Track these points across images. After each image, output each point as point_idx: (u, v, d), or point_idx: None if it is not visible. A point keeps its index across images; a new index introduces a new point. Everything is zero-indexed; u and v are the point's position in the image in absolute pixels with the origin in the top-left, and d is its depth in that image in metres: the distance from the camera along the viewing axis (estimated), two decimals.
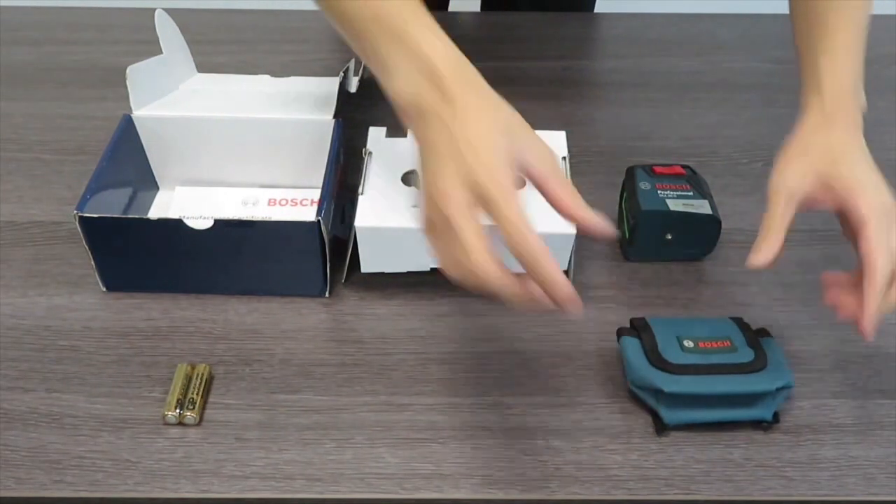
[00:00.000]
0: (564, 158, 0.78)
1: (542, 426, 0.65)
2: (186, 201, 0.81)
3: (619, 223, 0.80)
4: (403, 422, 0.65)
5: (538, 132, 0.80)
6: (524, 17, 1.11)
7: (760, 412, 0.64)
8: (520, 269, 0.52)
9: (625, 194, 0.79)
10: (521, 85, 1.00)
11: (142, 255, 0.71)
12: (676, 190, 0.76)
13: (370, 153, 0.77)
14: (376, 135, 0.80)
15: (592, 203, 0.83)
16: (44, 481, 0.61)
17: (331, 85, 0.82)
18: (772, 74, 1.03)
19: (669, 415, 0.64)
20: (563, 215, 0.55)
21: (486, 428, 0.65)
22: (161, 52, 0.80)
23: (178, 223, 0.68)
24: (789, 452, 0.64)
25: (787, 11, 1.14)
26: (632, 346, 0.66)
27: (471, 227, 0.51)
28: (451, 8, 1.22)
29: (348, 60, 0.86)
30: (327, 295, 0.74)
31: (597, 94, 0.99)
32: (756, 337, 0.66)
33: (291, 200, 0.81)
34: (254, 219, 0.69)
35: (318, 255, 0.71)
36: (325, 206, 0.70)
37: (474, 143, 0.52)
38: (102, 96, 0.96)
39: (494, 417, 0.66)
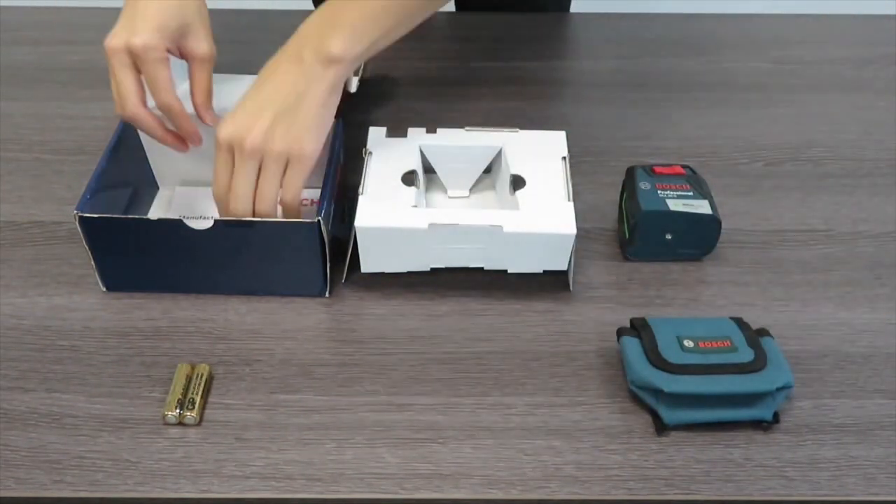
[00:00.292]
0: (564, 158, 0.78)
1: (542, 426, 0.65)
2: (186, 201, 0.81)
3: (620, 223, 0.80)
4: (403, 422, 0.65)
5: (538, 132, 0.80)
6: (524, 18, 1.11)
7: (760, 412, 0.64)
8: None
9: (625, 194, 0.79)
10: (520, 85, 1.00)
11: (142, 255, 0.71)
12: (676, 190, 0.77)
13: (370, 153, 0.77)
14: (376, 135, 0.80)
15: (592, 203, 0.84)
16: (44, 481, 0.61)
17: None
18: (772, 74, 1.03)
19: (669, 415, 0.64)
20: (193, 105, 0.75)
21: (486, 428, 0.65)
22: None
23: (178, 223, 0.68)
24: (789, 452, 0.64)
25: (786, 11, 1.14)
26: (632, 346, 0.66)
27: (126, 77, 0.72)
28: None
29: None
30: (327, 295, 0.74)
31: (597, 94, 0.99)
32: (756, 337, 0.66)
33: None
34: (254, 219, 0.69)
35: (318, 255, 0.71)
36: (325, 206, 0.70)
37: (142, 12, 0.71)
38: (102, 96, 0.96)
39: (494, 417, 0.66)
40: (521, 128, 0.81)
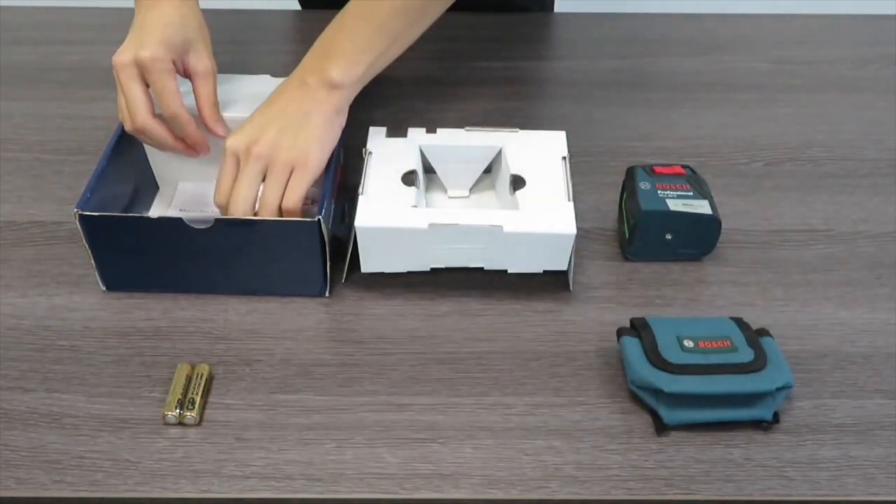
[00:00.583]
0: (564, 158, 0.78)
1: (542, 426, 0.65)
2: (188, 197, 0.81)
3: (619, 223, 0.80)
4: (403, 422, 0.65)
5: (538, 132, 0.80)
6: (524, 18, 1.11)
7: (760, 412, 0.64)
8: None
9: (625, 194, 0.79)
10: (520, 85, 1.00)
11: (142, 254, 0.71)
12: (676, 190, 0.77)
13: (370, 153, 0.77)
14: (376, 135, 0.80)
15: (593, 203, 0.84)
16: (44, 481, 0.61)
17: None
18: (772, 74, 1.03)
19: (669, 415, 0.64)
20: (202, 119, 0.77)
21: (486, 428, 0.65)
22: None
23: (179, 223, 0.68)
24: (789, 452, 0.64)
25: (786, 11, 1.14)
26: (632, 346, 0.66)
27: (135, 89, 0.74)
28: None
29: None
30: (327, 295, 0.74)
31: (597, 94, 0.99)
32: (756, 337, 0.66)
33: None
34: (254, 218, 0.69)
35: (318, 255, 0.71)
36: (325, 206, 0.70)
37: (148, 30, 0.74)
38: (102, 96, 0.96)
39: (494, 417, 0.66)
40: (521, 128, 0.81)
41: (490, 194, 0.82)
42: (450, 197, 0.82)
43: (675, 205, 0.75)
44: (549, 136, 0.80)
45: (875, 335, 0.72)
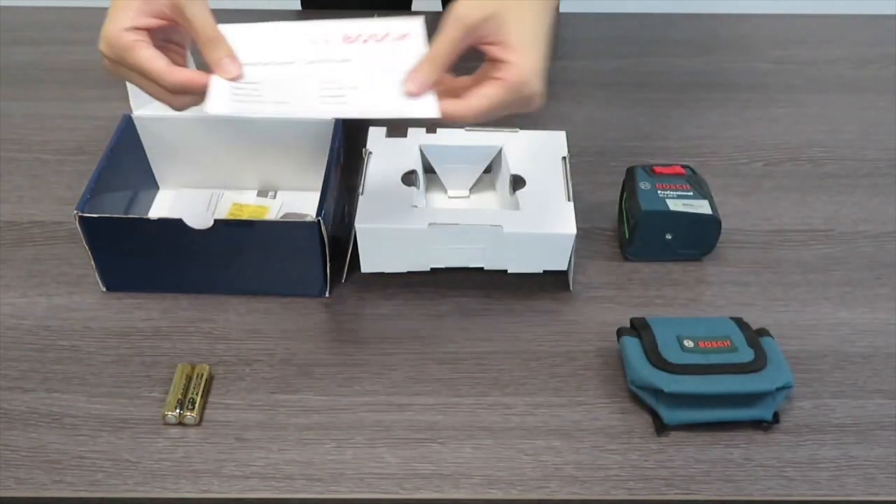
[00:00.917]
0: (564, 158, 0.78)
1: (542, 426, 0.65)
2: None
3: (619, 223, 0.80)
4: (403, 422, 0.65)
5: (538, 132, 0.80)
6: None
7: (760, 412, 0.64)
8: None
9: (625, 194, 0.79)
10: None
11: (142, 255, 0.71)
12: (676, 190, 0.76)
13: (370, 153, 0.77)
14: (376, 135, 0.80)
15: (593, 203, 0.84)
16: (44, 481, 0.61)
17: None
18: (772, 74, 1.03)
19: (669, 415, 0.64)
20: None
21: (486, 428, 0.65)
22: None
23: (178, 223, 0.68)
24: (789, 452, 0.64)
25: (786, 11, 1.14)
26: (632, 346, 0.66)
27: (133, 76, 0.60)
28: (415, 7, 1.21)
29: None
30: (327, 295, 0.74)
31: (597, 94, 0.99)
32: (756, 337, 0.66)
33: (372, 37, 0.64)
34: (254, 219, 0.69)
35: (318, 255, 0.71)
36: (325, 206, 0.70)
37: (112, 10, 0.60)
38: (102, 96, 0.96)
39: (494, 417, 0.66)
40: (521, 128, 0.81)
41: (490, 194, 0.82)
42: (450, 197, 0.82)
43: (675, 205, 0.75)
44: (549, 136, 0.80)
45: (875, 335, 0.72)
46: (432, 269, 0.74)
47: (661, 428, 0.64)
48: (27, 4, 1.12)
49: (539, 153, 0.78)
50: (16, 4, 1.11)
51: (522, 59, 0.58)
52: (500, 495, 0.61)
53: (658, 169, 0.79)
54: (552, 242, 0.71)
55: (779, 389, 0.63)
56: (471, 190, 0.83)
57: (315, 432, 0.64)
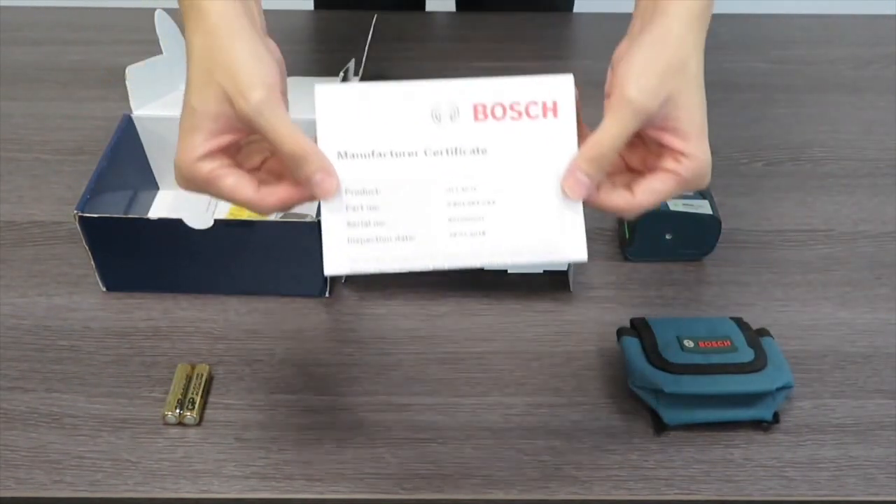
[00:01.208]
0: None
1: (542, 426, 0.65)
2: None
3: (619, 223, 0.80)
4: (403, 422, 0.65)
5: None
6: (524, 18, 1.11)
7: (760, 412, 0.64)
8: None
9: None
10: None
11: (142, 255, 0.71)
12: None
13: None
14: None
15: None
16: (44, 481, 0.61)
17: None
18: (772, 74, 1.03)
19: (669, 415, 0.64)
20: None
21: (486, 428, 0.65)
22: (161, 52, 0.80)
23: (178, 224, 0.68)
24: (789, 452, 0.64)
25: (786, 11, 1.14)
26: (632, 346, 0.66)
27: (221, 192, 0.52)
28: (428, 8, 1.22)
29: (348, 60, 0.86)
30: (327, 295, 0.74)
31: (598, 95, 0.99)
32: (756, 337, 0.66)
33: (511, 108, 0.52)
34: (253, 219, 0.69)
35: (319, 255, 0.71)
36: None
37: (181, 135, 0.51)
38: (102, 96, 0.96)
39: (494, 417, 0.66)
40: None
41: None
42: None
43: (675, 205, 0.75)
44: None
45: (875, 335, 0.72)
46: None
47: (661, 428, 0.64)
48: (27, 4, 1.12)
49: None
50: (16, 4, 1.11)
51: (699, 150, 0.51)
52: (500, 495, 0.61)
53: None
54: None
55: (779, 389, 0.63)
56: None
57: (315, 432, 0.64)
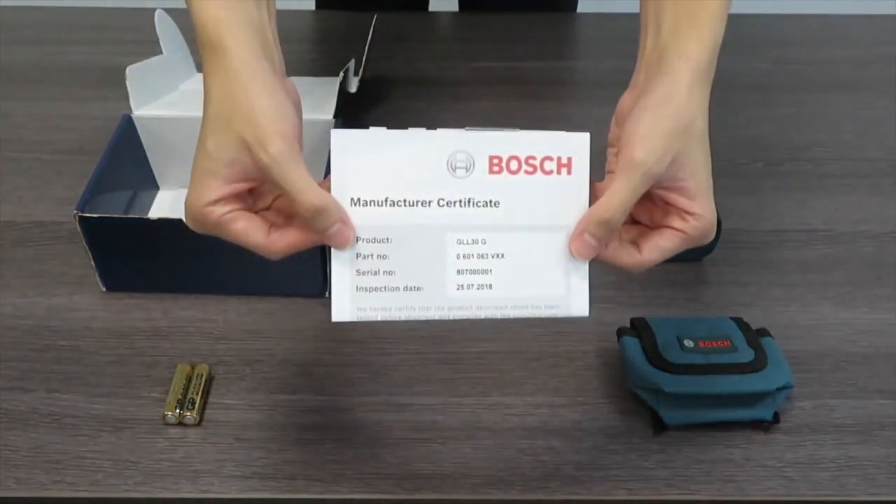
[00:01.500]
0: None
1: (542, 426, 0.65)
2: None
3: None
4: (403, 422, 0.65)
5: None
6: (525, 18, 1.11)
7: (760, 412, 0.64)
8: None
9: None
10: (521, 85, 1.00)
11: (142, 255, 0.71)
12: None
13: None
14: None
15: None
16: (44, 481, 0.61)
17: (331, 85, 0.82)
18: (772, 74, 1.03)
19: (669, 415, 0.64)
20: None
21: (486, 428, 0.65)
22: (161, 52, 0.80)
23: (178, 224, 0.68)
24: (789, 452, 0.64)
25: (786, 11, 1.14)
26: (632, 346, 0.66)
27: (233, 237, 0.52)
28: (431, 8, 1.22)
29: (348, 60, 0.86)
30: (327, 295, 0.74)
31: (598, 94, 0.99)
32: (756, 337, 0.66)
33: (527, 163, 0.52)
34: None
35: (318, 255, 0.71)
36: None
37: (194, 179, 0.52)
38: (102, 96, 0.96)
39: (494, 417, 0.66)
40: (522, 128, 0.81)
41: None
42: None
43: None
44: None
45: (875, 335, 0.72)
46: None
47: (661, 428, 0.64)
48: (27, 4, 1.12)
49: None
50: (16, 4, 1.11)
51: (705, 210, 0.52)
52: (500, 495, 0.61)
53: None
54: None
55: (779, 389, 0.63)
56: None
57: (315, 432, 0.64)
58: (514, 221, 0.52)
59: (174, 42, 0.82)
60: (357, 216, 0.51)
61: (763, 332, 0.67)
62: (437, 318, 0.51)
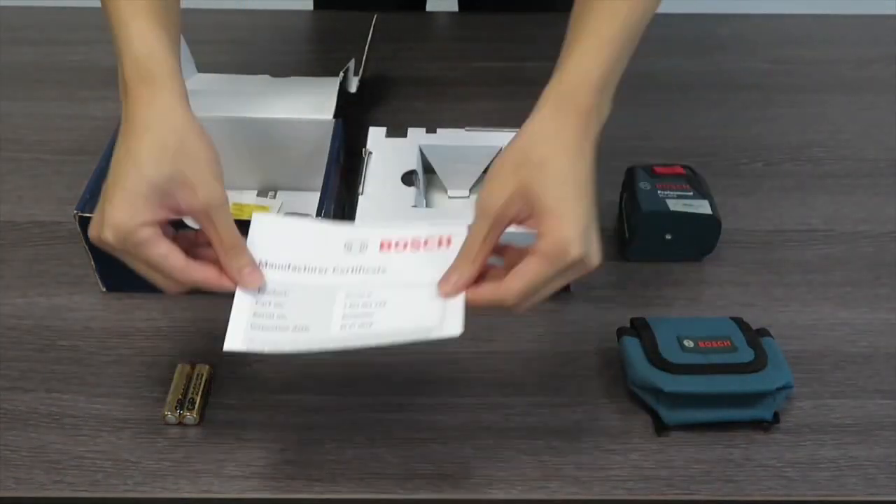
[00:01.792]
0: None
1: (542, 426, 0.65)
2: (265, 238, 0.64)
3: (619, 223, 0.80)
4: (403, 422, 0.65)
5: None
6: (525, 18, 1.11)
7: (760, 412, 0.64)
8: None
9: (625, 194, 0.79)
10: (521, 85, 1.00)
11: None
12: (676, 190, 0.76)
13: (370, 153, 0.77)
14: (376, 135, 0.80)
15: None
16: (44, 481, 0.61)
17: (331, 85, 0.82)
18: (772, 74, 1.03)
19: (669, 415, 0.64)
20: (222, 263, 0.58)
21: (486, 428, 0.65)
22: None
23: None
24: (789, 452, 0.64)
25: (786, 11, 1.14)
26: (632, 346, 0.66)
27: (141, 266, 0.56)
28: (429, 8, 1.22)
29: (348, 60, 0.86)
30: None
31: None
32: (756, 337, 0.66)
33: (411, 243, 0.60)
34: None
35: None
36: (325, 206, 0.70)
37: (113, 184, 0.54)
38: (102, 96, 0.96)
39: (494, 417, 0.66)
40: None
41: None
42: (450, 197, 0.82)
43: (675, 205, 0.75)
44: None
45: (875, 335, 0.72)
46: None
47: (661, 428, 0.64)
48: (27, 4, 1.12)
49: None
50: (16, 4, 1.11)
51: (556, 226, 0.53)
52: (500, 495, 0.61)
53: (658, 169, 0.79)
54: None
55: (779, 389, 0.63)
56: (471, 190, 0.83)
57: (315, 432, 0.64)
58: (397, 281, 0.58)
59: None
60: (263, 274, 0.58)
61: (763, 332, 0.67)
62: (318, 349, 0.55)
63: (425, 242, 0.59)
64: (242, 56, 1.04)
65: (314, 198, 0.71)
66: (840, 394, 0.68)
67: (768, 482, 0.62)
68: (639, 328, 0.67)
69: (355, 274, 0.59)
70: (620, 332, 0.68)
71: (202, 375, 0.67)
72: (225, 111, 0.78)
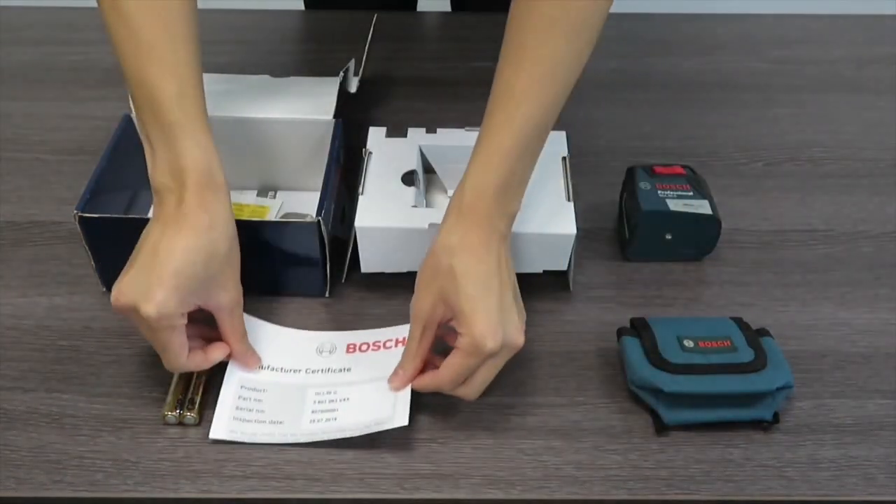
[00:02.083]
0: (564, 158, 0.78)
1: (542, 426, 0.65)
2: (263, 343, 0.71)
3: (619, 223, 0.80)
4: None
5: None
6: None
7: (760, 412, 0.64)
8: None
9: (625, 194, 0.79)
10: None
11: None
12: (676, 190, 0.77)
13: (370, 153, 0.77)
14: (376, 135, 0.80)
15: (593, 203, 0.84)
16: (44, 481, 0.61)
17: (331, 85, 0.82)
18: (772, 74, 1.03)
19: (669, 415, 0.64)
20: (232, 353, 0.67)
21: (486, 428, 0.65)
22: None
23: None
24: (789, 452, 0.64)
25: (786, 11, 1.14)
26: (632, 346, 0.66)
27: (152, 340, 0.62)
28: (420, 8, 1.22)
29: (348, 60, 0.86)
30: (327, 295, 0.74)
31: (597, 94, 0.99)
32: (756, 337, 0.66)
33: (373, 345, 0.69)
34: (253, 219, 0.69)
35: (319, 254, 0.71)
36: (325, 206, 0.70)
37: (159, 269, 0.60)
38: (102, 96, 0.96)
39: (494, 417, 0.66)
40: None
41: None
42: (450, 197, 0.82)
43: (675, 205, 0.75)
44: (549, 136, 0.80)
45: (875, 335, 0.72)
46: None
47: (661, 428, 0.64)
48: (27, 4, 1.12)
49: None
50: (16, 4, 1.11)
51: (469, 326, 0.59)
52: (500, 495, 0.61)
53: (658, 169, 0.79)
54: (552, 243, 0.71)
55: (779, 389, 0.63)
56: None
57: None
58: (359, 378, 0.67)
59: None
60: (245, 373, 0.67)
61: (763, 332, 0.67)
62: (292, 441, 0.63)
63: (385, 343, 0.69)
64: (242, 56, 1.04)
65: (314, 198, 0.71)
66: (840, 394, 0.68)
67: (768, 482, 0.62)
68: (639, 328, 0.67)
69: (324, 374, 0.67)
70: (620, 332, 0.68)
71: (202, 375, 0.67)
72: (225, 111, 0.78)
